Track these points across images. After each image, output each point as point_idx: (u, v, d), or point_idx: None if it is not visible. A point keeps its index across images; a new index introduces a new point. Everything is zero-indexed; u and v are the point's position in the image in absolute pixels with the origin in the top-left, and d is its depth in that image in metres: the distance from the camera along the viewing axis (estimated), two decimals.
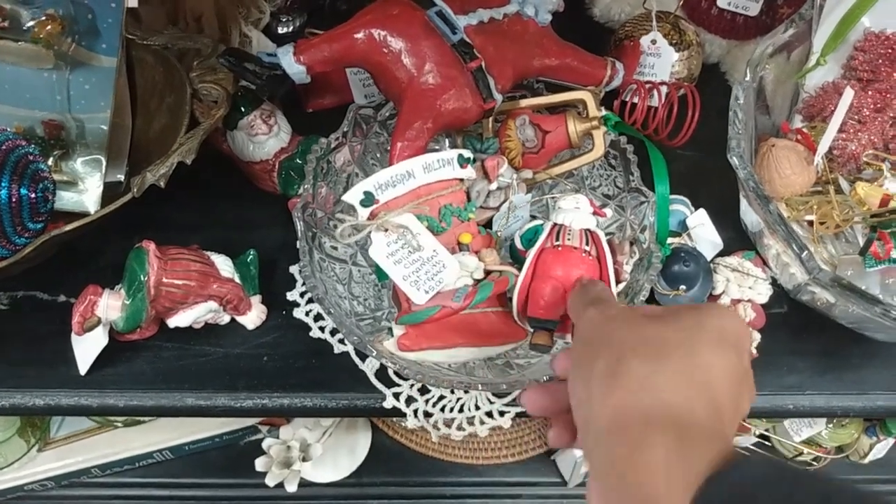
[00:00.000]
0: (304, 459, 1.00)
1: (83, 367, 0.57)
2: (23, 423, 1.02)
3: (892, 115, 0.61)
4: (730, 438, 0.33)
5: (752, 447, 1.14)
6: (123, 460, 1.05)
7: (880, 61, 0.62)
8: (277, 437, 1.01)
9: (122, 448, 1.05)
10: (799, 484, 0.28)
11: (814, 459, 1.12)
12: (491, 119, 0.62)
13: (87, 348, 0.56)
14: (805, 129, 0.64)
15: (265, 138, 0.63)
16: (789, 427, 1.09)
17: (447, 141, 0.63)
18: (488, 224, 0.60)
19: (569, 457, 1.06)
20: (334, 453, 1.11)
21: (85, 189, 0.60)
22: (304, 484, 1.05)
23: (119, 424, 1.05)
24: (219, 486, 1.09)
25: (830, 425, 1.09)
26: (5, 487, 1.02)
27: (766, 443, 1.13)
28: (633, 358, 0.32)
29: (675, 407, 0.30)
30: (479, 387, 0.52)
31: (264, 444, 0.99)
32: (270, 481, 0.97)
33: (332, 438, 1.09)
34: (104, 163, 0.60)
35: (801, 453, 1.10)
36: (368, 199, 0.52)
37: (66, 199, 0.59)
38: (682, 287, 0.59)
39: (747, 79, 0.59)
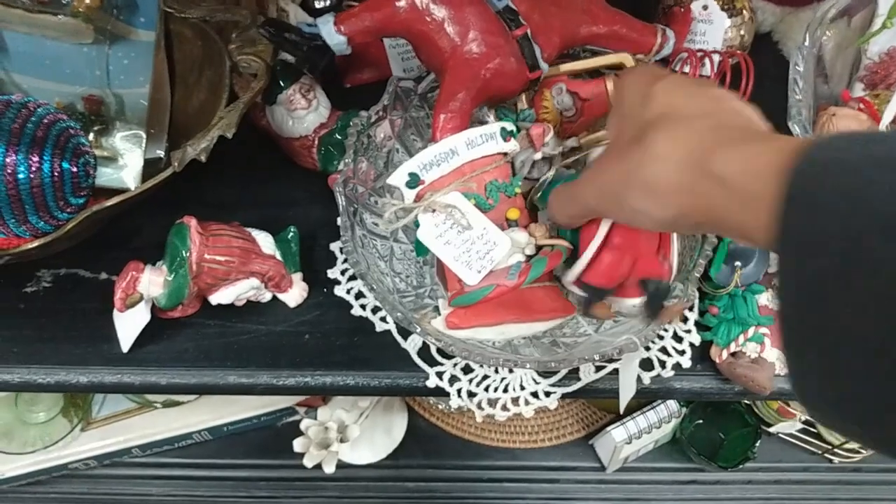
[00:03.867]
0: (341, 440, 1.00)
1: (125, 344, 0.56)
2: (66, 404, 1.04)
3: None
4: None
5: (796, 433, 1.11)
6: (163, 441, 1.06)
7: None
8: (315, 419, 1.01)
9: (161, 428, 1.06)
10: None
11: (861, 447, 1.09)
12: (527, 90, 0.60)
13: (129, 326, 0.56)
14: (868, 98, 0.60)
15: (304, 113, 0.62)
16: None
17: (492, 114, 0.62)
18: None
19: (608, 441, 1.05)
20: (371, 434, 1.11)
21: (125, 165, 0.59)
22: (341, 465, 1.05)
23: (158, 405, 1.06)
24: (257, 467, 1.10)
25: None
26: (51, 466, 1.04)
27: (812, 429, 1.10)
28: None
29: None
30: (527, 365, 0.50)
31: (302, 426, 0.99)
32: (308, 462, 0.97)
33: (369, 420, 1.08)
34: (144, 138, 0.59)
35: (848, 440, 1.06)
36: (414, 180, 0.51)
37: (106, 176, 0.59)
38: (738, 264, 0.57)
39: (806, 44, 0.56)
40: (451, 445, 1.13)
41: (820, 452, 1.11)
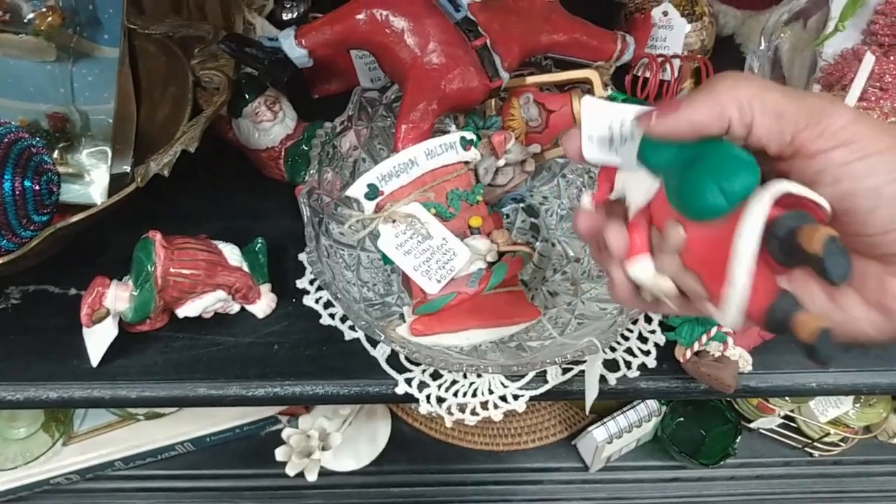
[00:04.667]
0: (323, 448, 1.00)
1: (95, 359, 0.57)
2: (46, 419, 1.04)
3: None
4: None
5: (777, 428, 1.12)
6: (146, 453, 1.06)
7: None
8: (297, 427, 1.01)
9: (144, 441, 1.06)
10: None
11: (841, 440, 1.10)
12: (495, 98, 0.60)
13: (97, 340, 0.56)
14: None
15: (270, 125, 0.63)
16: (815, 408, 1.07)
17: (453, 125, 0.62)
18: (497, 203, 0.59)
19: (590, 441, 1.05)
20: (354, 442, 1.11)
21: (91, 181, 0.59)
22: (324, 473, 1.05)
23: (140, 418, 1.06)
24: (240, 477, 1.10)
25: (857, 405, 1.06)
26: (33, 481, 1.03)
27: (792, 423, 1.12)
28: None
29: None
30: (490, 370, 0.51)
31: (284, 434, 1.00)
32: (290, 471, 0.97)
33: (352, 427, 1.09)
34: (110, 154, 0.60)
35: (827, 434, 1.08)
36: (373, 191, 0.51)
37: (72, 192, 0.59)
38: None
39: (762, 47, 0.57)
40: (434, 450, 1.13)
41: (800, 447, 1.12)
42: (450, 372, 0.59)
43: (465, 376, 0.59)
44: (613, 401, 1.10)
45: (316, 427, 1.01)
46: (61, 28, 0.56)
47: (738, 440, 1.06)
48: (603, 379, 0.58)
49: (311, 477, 0.98)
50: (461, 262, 0.51)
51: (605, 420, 1.05)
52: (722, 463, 1.07)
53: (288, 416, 1.10)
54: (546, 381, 0.58)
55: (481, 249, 0.53)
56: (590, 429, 1.05)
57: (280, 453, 0.98)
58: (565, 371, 0.59)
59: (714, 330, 0.56)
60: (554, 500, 1.12)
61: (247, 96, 0.61)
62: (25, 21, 0.55)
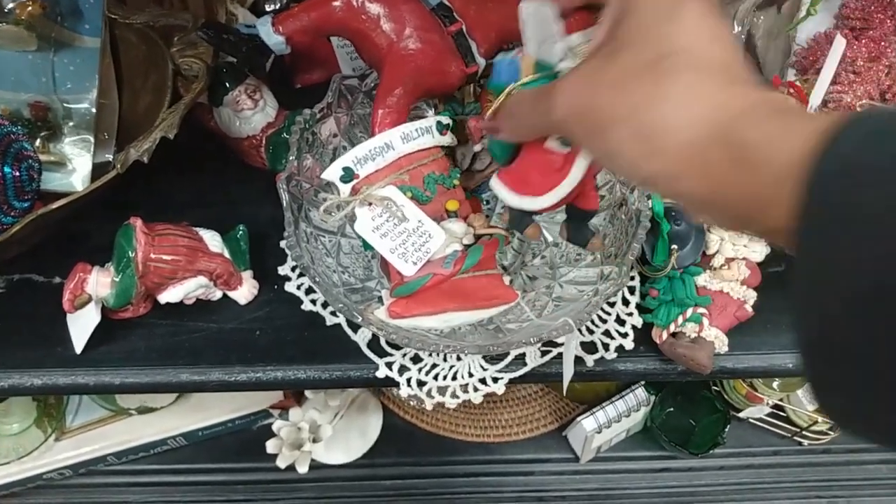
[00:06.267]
0: (314, 440, 1.01)
1: (78, 345, 0.57)
2: (39, 414, 1.04)
3: (886, 63, 0.60)
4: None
5: (765, 417, 1.12)
6: (138, 447, 1.07)
7: (873, 8, 0.60)
8: (287, 420, 1.02)
9: (136, 435, 1.06)
10: None
11: (829, 428, 1.11)
12: (473, 84, 0.61)
13: (81, 327, 0.57)
14: (798, 83, 0.62)
15: (251, 113, 0.63)
16: (803, 396, 1.07)
17: (432, 110, 0.63)
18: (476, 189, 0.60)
19: (579, 432, 1.06)
20: (346, 435, 1.12)
21: (74, 169, 0.60)
22: (316, 466, 1.06)
23: (133, 412, 1.06)
24: (233, 471, 1.11)
25: None
26: (25, 476, 1.04)
27: (781, 413, 1.12)
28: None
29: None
30: (467, 350, 0.51)
31: (274, 427, 1.00)
32: (281, 463, 0.98)
33: (343, 421, 1.10)
34: (93, 143, 0.60)
35: (815, 422, 1.08)
36: (348, 174, 0.52)
37: (55, 181, 0.60)
38: (675, 247, 0.58)
39: (735, 31, 0.58)
40: (426, 442, 1.14)
41: (790, 435, 1.13)
42: (429, 354, 0.59)
43: (444, 359, 0.60)
44: (602, 390, 1.10)
45: (306, 419, 1.02)
46: (42, 18, 0.57)
47: (727, 430, 1.06)
48: (581, 361, 0.59)
49: (303, 469, 0.99)
50: (437, 244, 0.52)
51: (594, 410, 1.06)
52: (711, 452, 1.07)
53: (279, 409, 1.10)
54: (525, 364, 0.59)
55: (457, 232, 0.53)
56: (579, 419, 1.05)
57: (271, 445, 0.98)
58: (544, 354, 0.59)
59: (690, 311, 0.57)
60: (545, 491, 1.12)
61: (227, 85, 0.62)
62: (6, 10, 0.56)
